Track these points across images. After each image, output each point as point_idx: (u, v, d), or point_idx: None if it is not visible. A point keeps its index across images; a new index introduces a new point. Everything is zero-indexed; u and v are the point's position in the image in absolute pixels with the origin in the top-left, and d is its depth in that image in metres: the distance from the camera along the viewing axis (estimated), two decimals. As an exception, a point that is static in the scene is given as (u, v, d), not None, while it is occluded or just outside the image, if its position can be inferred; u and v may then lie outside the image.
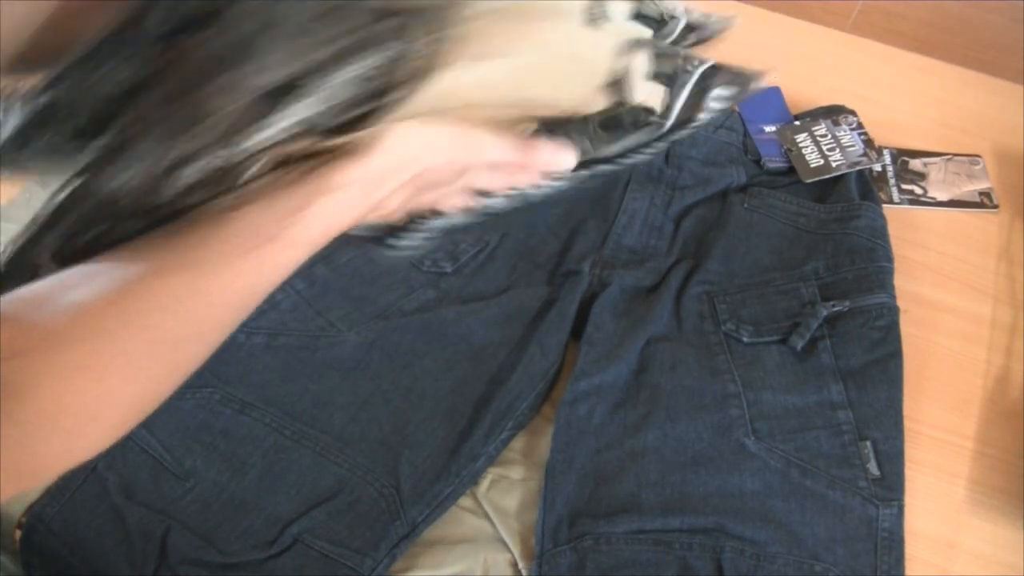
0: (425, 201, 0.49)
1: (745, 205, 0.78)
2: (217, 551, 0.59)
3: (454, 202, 0.52)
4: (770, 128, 0.85)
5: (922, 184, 0.85)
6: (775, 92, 0.90)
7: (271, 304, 0.71)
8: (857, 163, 0.81)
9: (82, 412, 0.34)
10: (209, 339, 0.40)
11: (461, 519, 0.63)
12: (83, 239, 0.38)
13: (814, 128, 0.85)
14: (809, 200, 0.79)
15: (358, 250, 0.74)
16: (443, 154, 0.45)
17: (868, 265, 0.72)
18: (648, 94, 0.58)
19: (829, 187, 0.80)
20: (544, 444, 0.65)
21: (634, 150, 0.60)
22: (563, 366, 0.70)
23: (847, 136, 0.84)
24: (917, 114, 0.92)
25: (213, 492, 0.62)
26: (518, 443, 0.67)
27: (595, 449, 0.64)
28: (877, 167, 0.84)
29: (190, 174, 0.36)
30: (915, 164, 0.87)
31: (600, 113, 0.55)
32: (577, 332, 0.70)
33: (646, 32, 0.60)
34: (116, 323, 0.35)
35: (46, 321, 0.34)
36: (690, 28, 0.61)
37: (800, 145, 0.83)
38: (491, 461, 0.65)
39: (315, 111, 0.39)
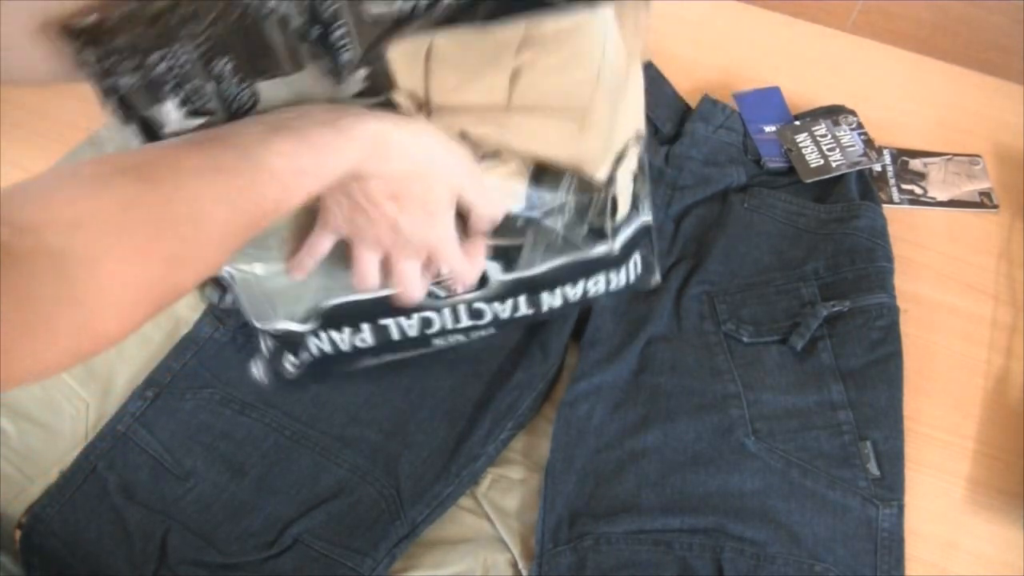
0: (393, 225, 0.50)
1: (745, 205, 0.78)
2: (217, 551, 0.59)
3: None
4: (770, 128, 0.85)
5: (922, 184, 0.85)
6: (775, 92, 0.90)
7: (271, 304, 0.71)
8: (857, 163, 0.81)
9: (132, 295, 0.35)
10: (230, 245, 0.41)
11: (461, 519, 0.63)
12: None
13: (814, 128, 0.85)
14: (809, 200, 0.79)
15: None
16: (439, 163, 0.47)
17: (868, 265, 0.72)
18: (622, 188, 0.59)
19: (829, 187, 0.80)
20: (544, 444, 0.65)
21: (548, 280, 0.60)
22: (563, 366, 0.70)
23: (847, 136, 0.84)
24: (917, 114, 0.92)
25: (213, 492, 0.62)
26: (518, 443, 0.67)
27: (595, 449, 0.64)
28: (877, 167, 0.84)
29: None
30: (915, 164, 0.87)
31: (579, 190, 0.56)
32: (577, 332, 0.70)
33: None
34: (165, 209, 0.37)
35: (107, 198, 0.35)
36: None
37: (800, 145, 0.83)
38: (491, 461, 0.65)
39: None
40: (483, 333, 0.63)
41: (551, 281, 0.60)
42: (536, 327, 0.70)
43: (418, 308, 0.59)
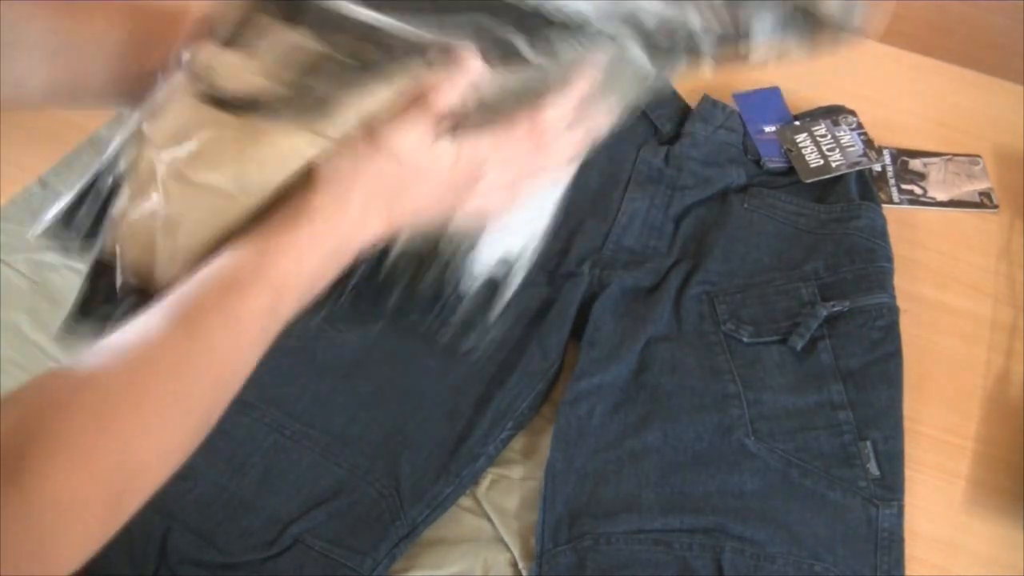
0: (411, 212, 0.47)
1: (745, 205, 0.78)
2: (217, 551, 0.59)
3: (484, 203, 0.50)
4: (770, 128, 0.85)
5: (922, 184, 0.85)
6: (775, 92, 0.90)
7: (271, 304, 0.71)
8: (857, 163, 0.81)
9: (83, 501, 0.34)
10: (219, 399, 0.40)
11: (461, 519, 0.63)
12: None
13: (814, 128, 0.85)
14: (809, 200, 0.79)
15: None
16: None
17: (868, 265, 0.72)
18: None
19: (829, 187, 0.80)
20: (544, 444, 0.65)
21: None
22: (563, 366, 0.70)
23: (847, 136, 0.84)
24: (917, 114, 0.92)
25: (213, 492, 0.62)
26: (518, 443, 0.67)
27: (595, 449, 0.64)
28: (877, 167, 0.84)
29: None
30: (915, 164, 0.87)
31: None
32: (577, 332, 0.70)
33: None
34: (119, 402, 0.36)
35: (51, 413, 0.34)
36: None
37: (800, 145, 0.83)
38: (491, 461, 0.65)
39: None
40: None
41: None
42: (536, 326, 0.70)
43: None
